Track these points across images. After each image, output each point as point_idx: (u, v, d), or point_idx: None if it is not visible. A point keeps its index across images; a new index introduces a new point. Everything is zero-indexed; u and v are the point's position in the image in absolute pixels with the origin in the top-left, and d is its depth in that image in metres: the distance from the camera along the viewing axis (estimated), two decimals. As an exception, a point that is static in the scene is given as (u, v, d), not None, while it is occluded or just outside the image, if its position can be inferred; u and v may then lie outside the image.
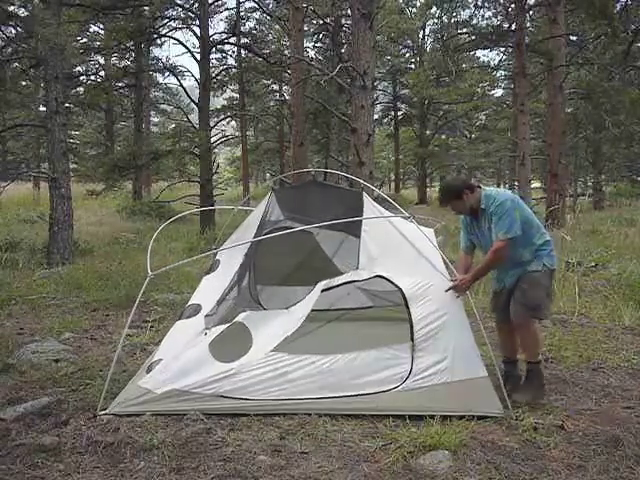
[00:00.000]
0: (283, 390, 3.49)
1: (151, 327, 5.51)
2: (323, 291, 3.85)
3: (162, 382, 3.48)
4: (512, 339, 3.92)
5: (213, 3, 17.71)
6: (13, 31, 10.12)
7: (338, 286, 3.93)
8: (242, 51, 21.09)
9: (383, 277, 3.81)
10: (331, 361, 3.61)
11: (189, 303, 4.43)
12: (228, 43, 19.39)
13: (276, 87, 28.98)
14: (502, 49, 24.27)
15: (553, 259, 3.80)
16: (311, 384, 3.52)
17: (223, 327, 3.86)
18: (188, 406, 3.44)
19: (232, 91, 27.76)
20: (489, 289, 6.83)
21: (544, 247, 3.75)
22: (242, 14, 22.16)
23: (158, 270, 3.85)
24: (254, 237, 4.67)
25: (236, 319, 3.94)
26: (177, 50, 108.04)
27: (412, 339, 3.55)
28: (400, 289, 3.68)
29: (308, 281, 4.20)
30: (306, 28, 21.15)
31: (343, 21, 21.92)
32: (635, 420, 3.46)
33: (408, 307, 3.59)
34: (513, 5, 16.61)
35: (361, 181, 5.28)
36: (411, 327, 3.56)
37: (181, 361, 3.58)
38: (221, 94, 26.04)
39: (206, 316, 4.10)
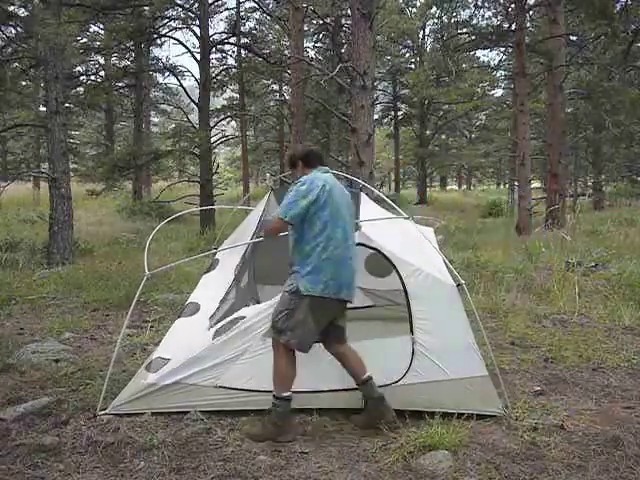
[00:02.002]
0: None
1: (151, 327, 5.50)
2: None
3: (161, 377, 3.48)
4: (343, 359, 3.35)
5: (213, 3, 17.70)
6: (13, 31, 10.12)
7: None
8: (242, 51, 21.08)
9: (381, 253, 3.70)
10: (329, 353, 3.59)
11: (188, 301, 4.44)
12: (228, 43, 19.39)
13: (276, 87, 28.97)
14: (502, 49, 24.28)
15: (315, 285, 3.13)
16: (309, 375, 3.50)
17: (224, 322, 3.83)
18: (187, 399, 3.45)
19: (232, 91, 27.74)
20: (490, 289, 6.87)
21: (309, 265, 3.15)
22: (242, 14, 22.13)
23: (155, 269, 3.84)
24: (253, 236, 4.67)
25: (236, 314, 3.90)
26: (177, 50, 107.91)
27: (412, 331, 3.53)
28: (398, 272, 3.61)
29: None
30: (306, 28, 21.15)
31: (343, 21, 21.90)
32: (635, 420, 3.46)
33: (408, 299, 3.56)
34: (513, 5, 16.59)
35: (361, 181, 5.29)
36: (410, 320, 3.54)
37: (181, 356, 3.57)
38: (221, 94, 26.00)
39: (210, 318, 4.09)
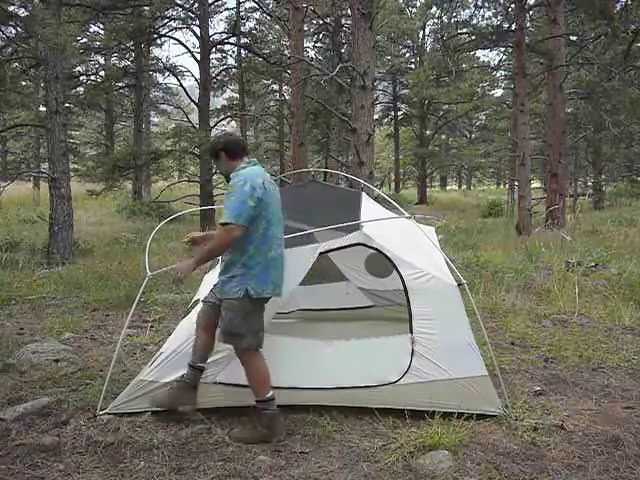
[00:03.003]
0: (279, 378, 3.40)
1: (151, 327, 5.50)
2: (322, 253, 3.64)
3: (162, 374, 3.46)
4: (202, 342, 3.34)
5: (213, 3, 17.74)
6: (13, 31, 10.12)
7: (337, 249, 3.73)
8: (242, 51, 21.10)
9: (382, 253, 3.67)
10: (331, 350, 3.59)
11: (192, 302, 4.43)
12: (228, 43, 19.43)
13: (276, 87, 28.97)
14: (502, 49, 24.26)
15: (265, 286, 3.09)
16: (308, 373, 3.48)
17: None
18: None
19: (232, 91, 27.77)
20: (490, 289, 6.87)
21: (257, 266, 3.07)
22: (242, 14, 22.16)
23: (157, 270, 3.84)
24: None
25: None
26: (177, 50, 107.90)
27: (411, 331, 3.52)
28: (399, 272, 3.59)
29: (308, 280, 4.19)
30: (306, 28, 21.13)
31: (343, 21, 21.93)
32: (635, 420, 3.46)
33: (408, 298, 3.55)
34: (513, 5, 16.59)
35: (361, 181, 5.29)
36: (410, 320, 3.53)
37: (181, 353, 3.56)
38: (221, 94, 26.05)
39: None
